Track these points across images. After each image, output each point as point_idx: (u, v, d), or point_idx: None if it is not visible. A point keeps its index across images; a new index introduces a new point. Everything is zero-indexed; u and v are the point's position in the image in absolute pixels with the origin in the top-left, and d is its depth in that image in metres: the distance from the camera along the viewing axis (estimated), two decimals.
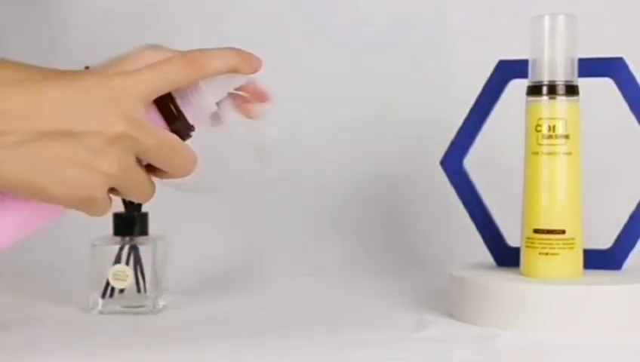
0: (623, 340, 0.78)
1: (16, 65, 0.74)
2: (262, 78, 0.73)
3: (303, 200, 1.16)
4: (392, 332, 0.81)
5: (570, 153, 0.84)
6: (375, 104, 1.19)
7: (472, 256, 0.95)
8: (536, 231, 0.85)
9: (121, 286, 0.91)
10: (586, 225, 0.86)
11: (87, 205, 0.65)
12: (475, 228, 0.92)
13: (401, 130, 1.18)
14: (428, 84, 1.19)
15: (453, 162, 0.93)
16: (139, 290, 0.92)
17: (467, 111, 0.92)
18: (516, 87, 0.89)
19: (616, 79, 0.88)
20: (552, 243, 0.84)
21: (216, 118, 0.72)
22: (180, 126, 0.68)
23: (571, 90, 0.84)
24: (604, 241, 0.89)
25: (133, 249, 0.92)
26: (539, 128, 0.84)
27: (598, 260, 0.88)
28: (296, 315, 0.90)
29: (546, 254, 0.84)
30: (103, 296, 0.91)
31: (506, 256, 0.90)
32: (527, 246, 0.85)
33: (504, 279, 0.85)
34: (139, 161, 0.66)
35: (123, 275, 0.91)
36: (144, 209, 0.93)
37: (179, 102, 0.68)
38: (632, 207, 0.89)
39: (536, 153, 0.85)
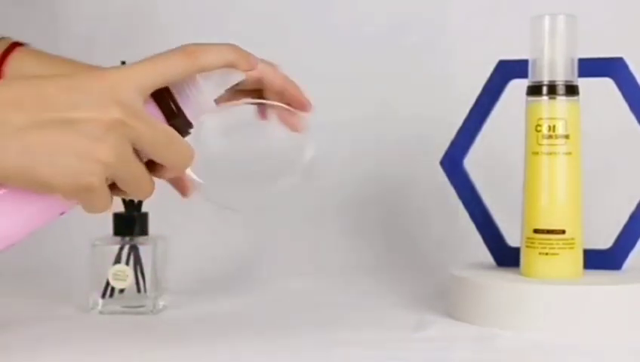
0: (623, 340, 0.78)
1: (67, 62, 0.78)
2: None
3: (303, 200, 1.16)
4: (392, 332, 0.81)
5: (570, 153, 0.84)
6: (375, 104, 1.19)
7: (472, 256, 0.95)
8: (536, 231, 0.85)
9: (121, 286, 0.91)
10: (586, 225, 0.86)
11: (86, 194, 0.65)
12: (475, 228, 0.92)
13: (401, 130, 1.18)
14: (428, 84, 1.19)
15: (453, 162, 0.93)
16: (139, 290, 0.92)
17: (467, 111, 0.92)
18: (516, 87, 0.89)
19: (616, 79, 0.88)
20: (552, 243, 0.84)
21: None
22: (179, 122, 0.68)
23: (571, 90, 0.84)
24: (604, 241, 0.89)
25: (133, 249, 0.92)
26: (539, 128, 0.84)
27: (598, 260, 0.88)
28: (296, 315, 0.90)
29: (546, 254, 0.84)
30: (103, 296, 0.91)
31: (506, 256, 0.91)
32: (527, 246, 0.85)
33: (504, 279, 0.85)
34: (138, 155, 0.67)
35: (123, 275, 0.91)
36: (144, 209, 0.93)
37: (178, 98, 0.69)
38: (632, 207, 0.89)
39: (536, 153, 0.85)
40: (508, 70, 0.90)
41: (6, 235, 0.67)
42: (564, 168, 0.84)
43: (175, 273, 0.96)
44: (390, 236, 1.16)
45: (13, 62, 0.87)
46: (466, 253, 1.01)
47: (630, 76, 0.88)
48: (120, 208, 0.92)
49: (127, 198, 0.70)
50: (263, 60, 0.79)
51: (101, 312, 0.91)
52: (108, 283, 0.91)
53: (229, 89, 0.71)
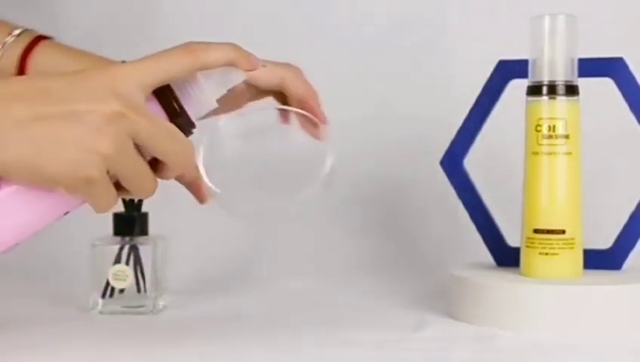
0: (623, 340, 0.78)
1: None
2: None
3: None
4: (392, 332, 0.81)
5: (570, 153, 0.84)
6: (375, 104, 1.19)
7: (472, 256, 0.95)
8: (536, 231, 0.85)
9: (121, 286, 0.91)
10: (586, 225, 0.86)
11: (87, 187, 0.65)
12: (475, 228, 0.92)
13: (401, 130, 1.18)
14: (428, 84, 1.19)
15: (453, 162, 0.93)
16: (139, 290, 0.92)
17: (467, 111, 0.92)
18: (516, 87, 0.89)
19: (616, 79, 0.88)
20: (552, 243, 0.84)
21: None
22: (182, 121, 0.69)
23: (571, 90, 0.84)
24: (604, 241, 0.89)
25: (133, 249, 0.92)
26: (539, 128, 0.84)
27: (598, 260, 0.88)
28: (296, 315, 0.90)
29: (546, 254, 0.84)
30: (103, 296, 0.91)
31: (506, 256, 0.90)
32: (527, 246, 0.85)
33: (504, 279, 0.85)
34: (140, 152, 0.67)
35: (123, 275, 0.91)
36: (144, 209, 0.93)
37: (180, 98, 0.69)
38: (632, 207, 0.89)
39: (536, 153, 0.85)
40: (508, 70, 0.90)
41: (12, 235, 0.68)
42: (564, 168, 0.84)
43: (175, 273, 0.96)
44: (390, 236, 1.16)
45: (38, 55, 0.86)
46: (466, 253, 1.01)
47: (630, 76, 0.88)
48: (120, 208, 0.92)
49: (131, 198, 0.69)
50: (287, 65, 0.80)
51: (101, 312, 0.91)
52: (108, 283, 0.91)
53: (250, 90, 0.71)
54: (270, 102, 0.81)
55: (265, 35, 1.18)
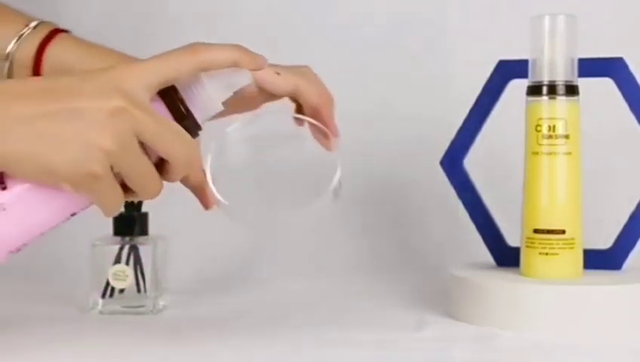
0: (623, 340, 0.78)
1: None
2: None
3: None
4: (392, 332, 0.81)
5: (570, 153, 0.84)
6: (375, 104, 1.19)
7: (472, 256, 0.95)
8: (536, 231, 0.85)
9: (121, 286, 0.91)
10: (586, 225, 0.86)
11: (91, 183, 0.66)
12: (475, 228, 0.92)
13: (401, 130, 1.18)
14: (428, 84, 1.19)
15: (453, 162, 0.93)
16: (139, 290, 0.92)
17: (467, 111, 0.92)
18: (516, 87, 0.89)
19: (616, 79, 0.88)
20: (552, 243, 0.84)
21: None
22: (188, 123, 0.69)
23: (571, 90, 0.84)
24: (604, 241, 0.89)
25: (133, 249, 0.92)
26: (539, 128, 0.84)
27: (598, 260, 0.88)
28: (296, 315, 0.90)
29: (546, 254, 0.84)
30: (103, 296, 0.91)
31: (506, 256, 0.90)
32: (527, 246, 0.85)
33: (504, 279, 0.85)
34: (145, 150, 0.67)
35: (123, 275, 0.91)
36: (144, 209, 0.93)
37: (186, 100, 0.69)
38: (632, 207, 0.89)
39: (536, 153, 0.85)
40: (508, 70, 0.90)
41: (20, 235, 0.68)
42: (564, 168, 0.84)
43: (175, 273, 0.96)
44: (390, 236, 1.16)
45: (55, 48, 0.85)
46: (466, 253, 1.01)
47: (630, 76, 0.88)
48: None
49: (137, 199, 0.70)
50: (302, 71, 0.79)
51: (101, 312, 0.91)
52: (108, 283, 0.91)
53: (264, 93, 0.71)
54: (286, 103, 0.80)
55: (265, 35, 1.17)
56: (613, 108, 0.90)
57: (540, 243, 0.84)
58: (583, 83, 0.85)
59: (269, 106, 0.80)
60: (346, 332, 0.81)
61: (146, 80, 0.67)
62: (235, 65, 0.70)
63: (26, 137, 0.65)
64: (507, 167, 0.98)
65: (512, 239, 0.91)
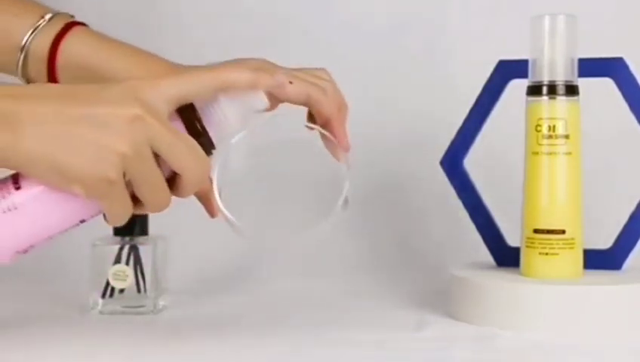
0: (623, 340, 0.78)
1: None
2: None
3: None
4: (392, 332, 0.81)
5: (570, 153, 0.84)
6: (375, 104, 1.19)
7: (472, 256, 0.95)
8: (536, 231, 0.85)
9: (121, 286, 0.91)
10: (586, 225, 0.86)
11: (105, 188, 0.66)
12: (475, 228, 0.92)
13: (401, 130, 1.18)
14: (428, 84, 1.19)
15: (453, 162, 0.93)
16: (139, 290, 0.92)
17: (467, 111, 0.92)
18: (516, 87, 0.89)
19: (616, 79, 0.88)
20: (552, 243, 0.84)
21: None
22: (203, 141, 0.70)
23: (571, 90, 0.85)
24: (604, 241, 0.89)
25: (133, 249, 0.92)
26: (539, 128, 0.84)
27: (598, 260, 0.88)
28: (296, 315, 0.90)
29: (546, 254, 0.84)
30: (103, 296, 0.91)
31: (506, 256, 0.90)
32: (527, 246, 0.85)
33: (504, 279, 0.85)
34: (157, 161, 0.67)
35: (123, 275, 0.91)
36: None
37: (203, 120, 0.70)
38: (632, 207, 0.89)
39: (536, 153, 0.85)
40: (508, 70, 0.90)
41: (28, 236, 0.69)
42: (564, 168, 0.84)
43: (175, 273, 0.96)
44: (390, 236, 1.16)
45: (70, 41, 0.84)
46: (466, 253, 1.01)
47: (630, 76, 0.88)
48: None
49: (145, 212, 0.71)
50: (316, 79, 0.78)
51: (101, 312, 0.91)
52: (108, 283, 0.91)
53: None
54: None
55: (265, 35, 1.18)
56: (613, 108, 0.90)
57: (540, 243, 0.84)
58: (583, 83, 0.85)
59: (281, 109, 0.79)
60: (346, 332, 0.81)
61: (166, 93, 0.68)
62: (254, 87, 0.71)
63: (42, 138, 0.66)
64: (507, 167, 0.98)
65: (512, 239, 0.91)
